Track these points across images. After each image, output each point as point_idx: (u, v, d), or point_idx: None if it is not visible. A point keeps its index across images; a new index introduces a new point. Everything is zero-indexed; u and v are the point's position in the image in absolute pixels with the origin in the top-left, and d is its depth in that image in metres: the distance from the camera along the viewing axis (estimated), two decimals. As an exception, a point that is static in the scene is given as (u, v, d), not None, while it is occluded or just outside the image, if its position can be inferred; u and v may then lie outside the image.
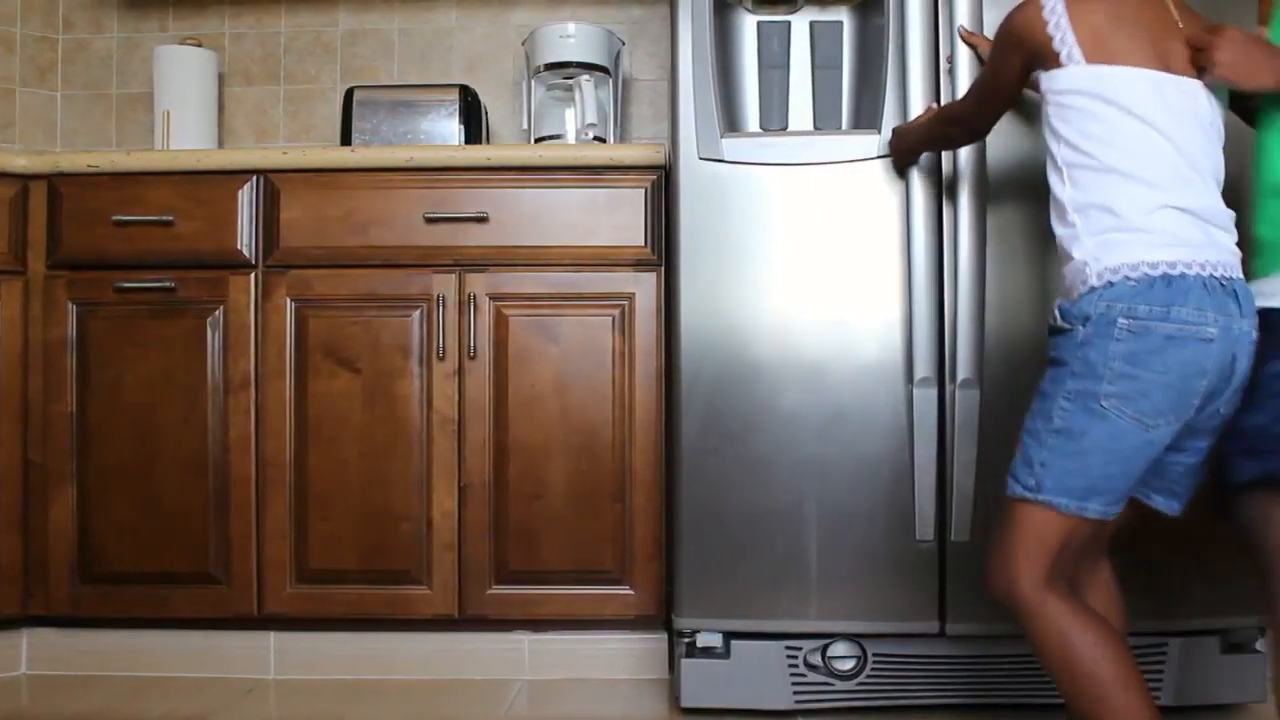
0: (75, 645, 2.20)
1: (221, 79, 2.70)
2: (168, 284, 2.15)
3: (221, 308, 2.15)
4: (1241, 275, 1.35)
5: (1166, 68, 1.34)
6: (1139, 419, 1.29)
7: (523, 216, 2.12)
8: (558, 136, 2.45)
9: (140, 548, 2.14)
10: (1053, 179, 1.39)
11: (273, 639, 2.19)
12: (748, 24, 2.06)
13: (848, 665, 1.89)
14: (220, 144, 2.67)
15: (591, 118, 2.37)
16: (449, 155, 2.13)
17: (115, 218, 2.15)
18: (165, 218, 2.14)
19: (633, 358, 2.11)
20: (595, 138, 2.41)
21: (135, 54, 2.74)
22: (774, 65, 2.03)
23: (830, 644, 1.89)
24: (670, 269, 1.97)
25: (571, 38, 2.42)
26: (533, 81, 2.48)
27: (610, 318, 2.12)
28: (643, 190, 2.12)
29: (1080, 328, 1.32)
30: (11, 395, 2.15)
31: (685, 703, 1.90)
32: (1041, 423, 1.35)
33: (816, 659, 1.89)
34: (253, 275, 2.15)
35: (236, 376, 2.14)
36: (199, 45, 2.58)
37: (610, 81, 2.49)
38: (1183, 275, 1.29)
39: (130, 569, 2.15)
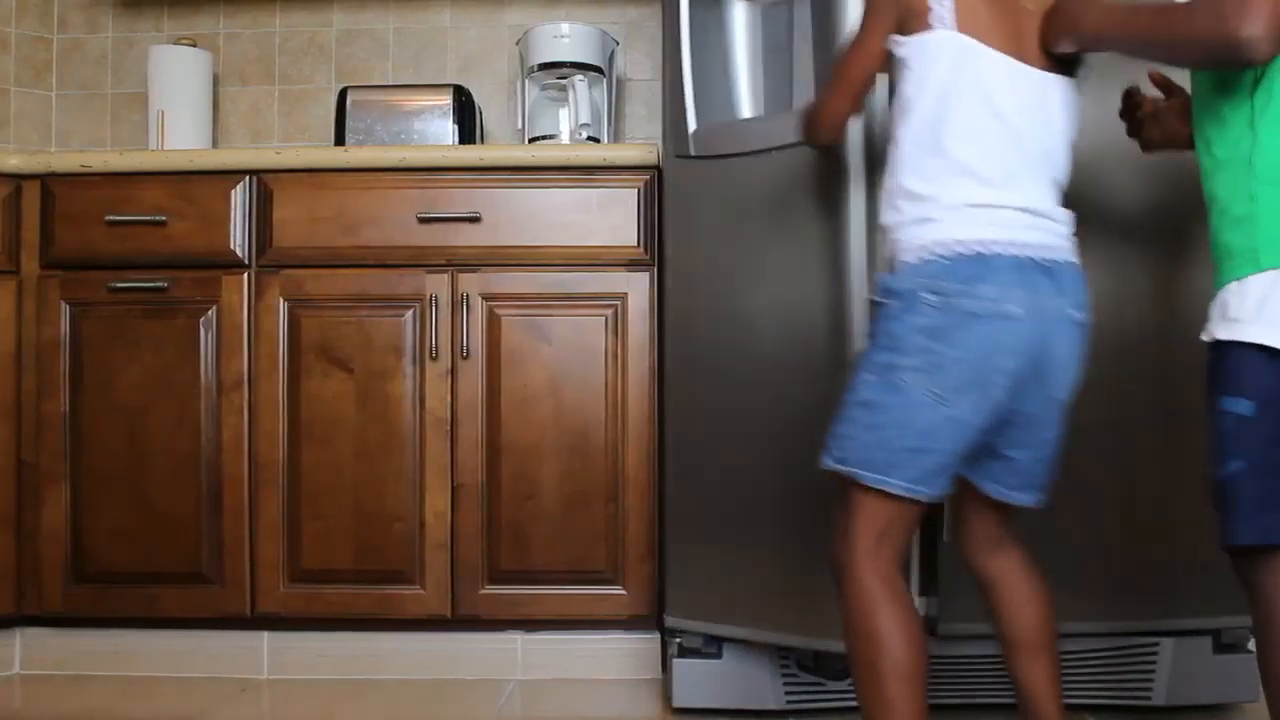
0: (68, 645, 2.20)
1: (216, 79, 2.70)
2: (161, 284, 2.15)
3: (214, 308, 2.15)
4: (1074, 261, 1.34)
5: (1020, 54, 1.32)
6: (935, 394, 1.27)
7: (516, 216, 2.12)
8: (552, 136, 2.45)
9: (133, 548, 2.14)
10: (891, 154, 1.37)
11: (265, 639, 2.19)
12: (740, 12, 2.04)
13: (840, 665, 1.89)
14: (215, 144, 2.67)
15: (585, 118, 2.37)
16: (441, 155, 2.14)
17: (108, 218, 2.15)
18: (158, 218, 2.14)
19: (625, 358, 2.11)
20: (589, 138, 2.41)
21: (130, 54, 2.74)
22: (776, 49, 1.98)
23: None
24: (660, 268, 1.97)
25: (565, 38, 2.42)
26: (527, 81, 2.48)
27: (603, 318, 2.12)
28: (636, 190, 2.12)
29: (891, 303, 1.32)
30: (4, 395, 2.15)
31: (677, 703, 1.89)
32: (849, 395, 1.34)
33: (808, 659, 1.88)
34: (246, 275, 2.15)
35: (229, 376, 2.14)
36: (193, 45, 2.58)
37: (604, 81, 2.49)
38: (997, 255, 1.27)
39: (123, 569, 2.15)
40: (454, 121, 2.42)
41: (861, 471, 1.31)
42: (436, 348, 2.13)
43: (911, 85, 1.32)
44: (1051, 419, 1.38)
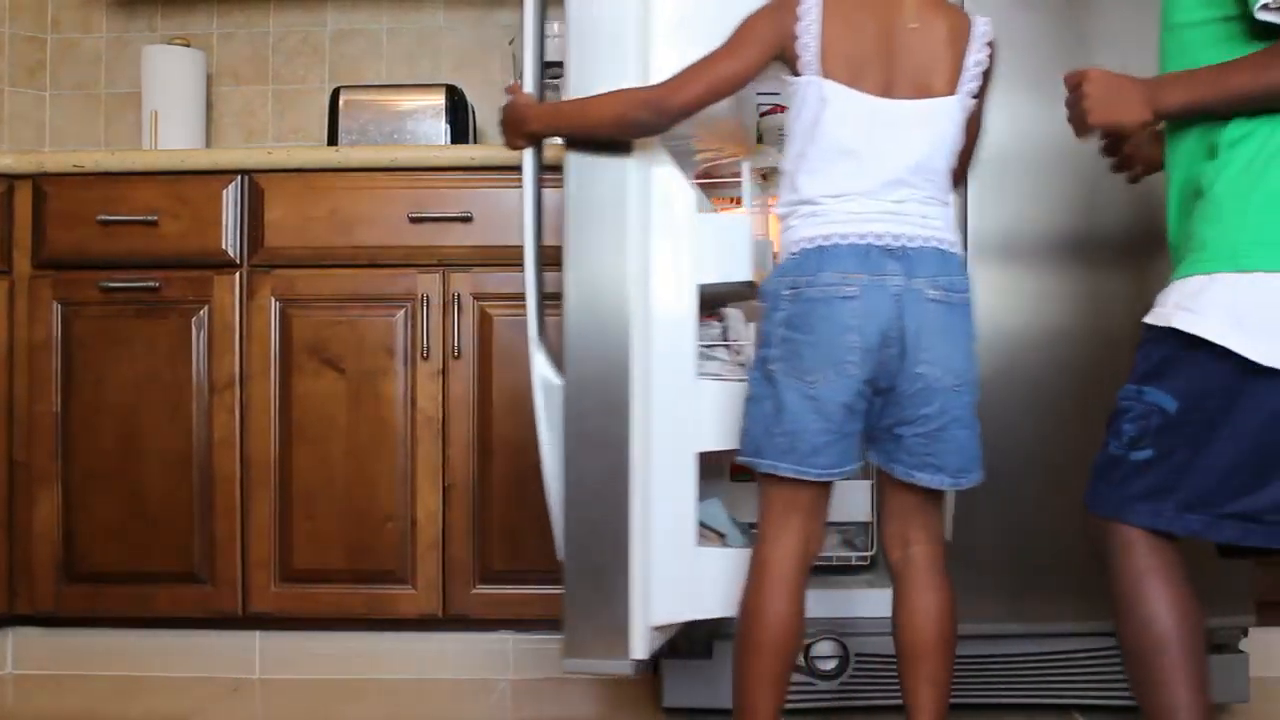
0: (60, 645, 2.21)
1: (210, 79, 2.70)
2: (152, 284, 2.15)
3: (206, 307, 2.15)
4: (940, 247, 1.38)
5: (889, 84, 1.38)
6: (797, 378, 1.36)
7: (507, 216, 2.12)
8: (545, 136, 2.44)
9: (125, 547, 2.14)
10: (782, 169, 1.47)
11: (257, 638, 2.19)
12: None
13: (830, 665, 1.89)
14: (208, 144, 2.67)
15: (578, 117, 2.37)
16: (433, 155, 2.14)
17: (100, 217, 2.15)
18: (150, 217, 2.15)
19: (617, 357, 2.11)
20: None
21: (124, 54, 2.74)
22: None
23: (813, 644, 1.89)
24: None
25: (559, 38, 2.41)
26: (520, 81, 2.47)
27: (595, 317, 2.12)
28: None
29: (764, 304, 1.42)
30: (-4, 395, 2.15)
31: (667, 703, 1.89)
32: (745, 392, 1.45)
33: (799, 659, 1.88)
34: (237, 275, 2.15)
35: (221, 376, 2.15)
36: (187, 45, 2.58)
37: (597, 81, 2.49)
38: (836, 245, 1.35)
39: (115, 568, 2.15)
40: (447, 121, 2.42)
41: (756, 460, 1.40)
42: (428, 347, 2.13)
43: (789, 120, 1.43)
44: (930, 396, 1.38)
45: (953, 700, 1.86)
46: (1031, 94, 1.84)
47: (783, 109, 2.29)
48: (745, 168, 1.55)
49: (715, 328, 1.59)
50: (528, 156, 1.64)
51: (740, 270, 1.54)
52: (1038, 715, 1.88)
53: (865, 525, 2.10)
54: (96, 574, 2.15)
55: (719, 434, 1.53)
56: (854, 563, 2.11)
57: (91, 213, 2.15)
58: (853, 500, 2.08)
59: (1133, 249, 1.86)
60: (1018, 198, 1.87)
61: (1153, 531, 1.28)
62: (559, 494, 1.55)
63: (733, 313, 1.61)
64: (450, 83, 2.53)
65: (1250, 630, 1.91)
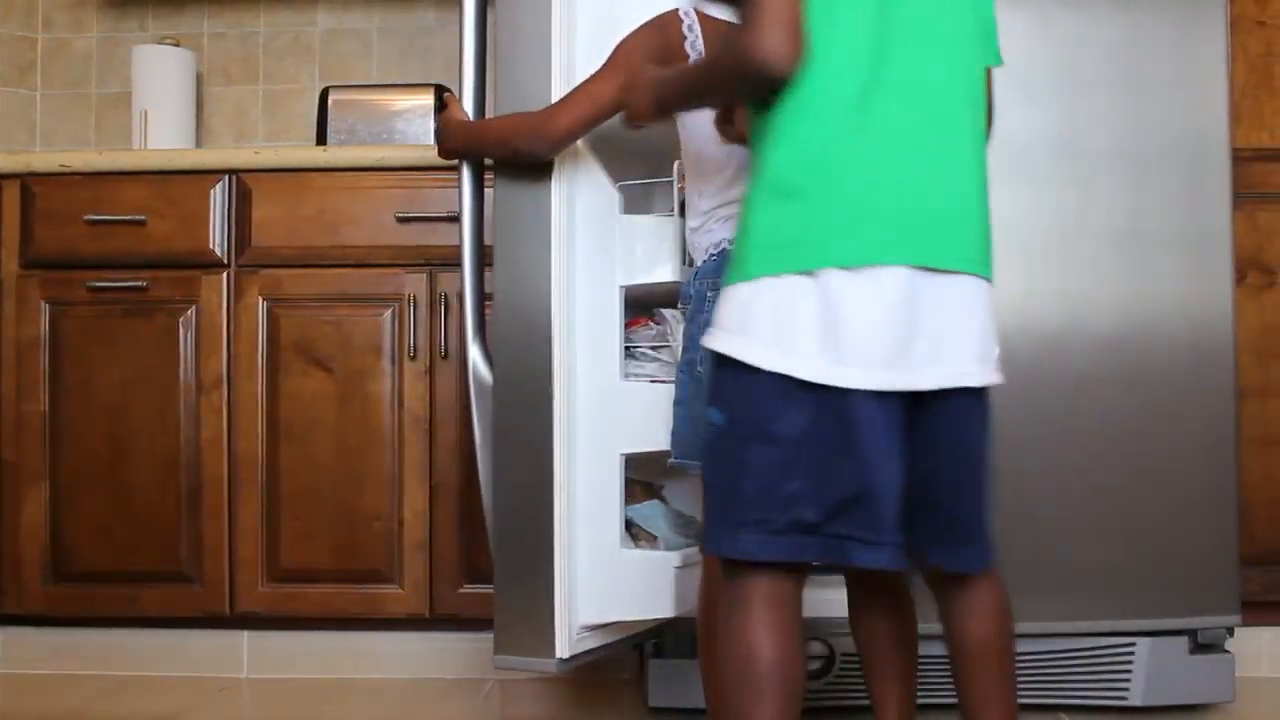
0: (48, 644, 2.21)
1: (201, 78, 2.70)
2: (140, 284, 2.15)
3: (194, 307, 2.16)
4: None
5: None
6: None
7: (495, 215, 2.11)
8: (534, 136, 2.44)
9: (113, 547, 2.15)
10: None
11: (245, 638, 2.19)
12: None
13: (815, 665, 1.89)
14: (199, 143, 2.67)
15: (567, 117, 2.37)
16: (420, 155, 2.14)
17: (88, 217, 2.15)
18: (138, 217, 2.15)
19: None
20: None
21: (115, 53, 2.74)
22: None
23: (799, 644, 1.89)
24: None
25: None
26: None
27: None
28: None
29: (689, 307, 1.44)
30: (-16, 394, 2.16)
31: (653, 702, 1.89)
32: (672, 397, 1.46)
33: (785, 659, 1.88)
34: (225, 275, 2.16)
35: (209, 376, 2.15)
36: (177, 45, 2.58)
37: (587, 81, 2.49)
38: None
39: (103, 568, 2.15)
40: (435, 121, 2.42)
41: (685, 461, 1.42)
42: (415, 347, 2.13)
43: (691, 131, 1.48)
44: None
45: (936, 700, 1.87)
46: (1022, 93, 1.84)
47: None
48: (676, 167, 1.55)
49: (653, 329, 1.58)
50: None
51: (666, 272, 1.55)
52: (1024, 715, 1.85)
53: (852, 525, 2.10)
54: (84, 574, 2.15)
55: (647, 436, 1.53)
56: (841, 562, 2.11)
57: (79, 212, 2.16)
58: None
59: (1121, 249, 1.86)
60: (1001, 195, 1.86)
61: (740, 562, 1.14)
62: (490, 492, 1.56)
63: (671, 314, 1.60)
64: (440, 83, 2.53)
65: (1236, 630, 1.91)
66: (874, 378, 1.08)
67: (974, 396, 1.16)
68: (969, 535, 1.20)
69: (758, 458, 1.11)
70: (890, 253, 1.08)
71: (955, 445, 1.17)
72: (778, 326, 1.09)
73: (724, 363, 1.13)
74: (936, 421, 1.15)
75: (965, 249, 1.13)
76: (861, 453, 1.09)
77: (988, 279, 1.16)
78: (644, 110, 1.30)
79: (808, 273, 1.08)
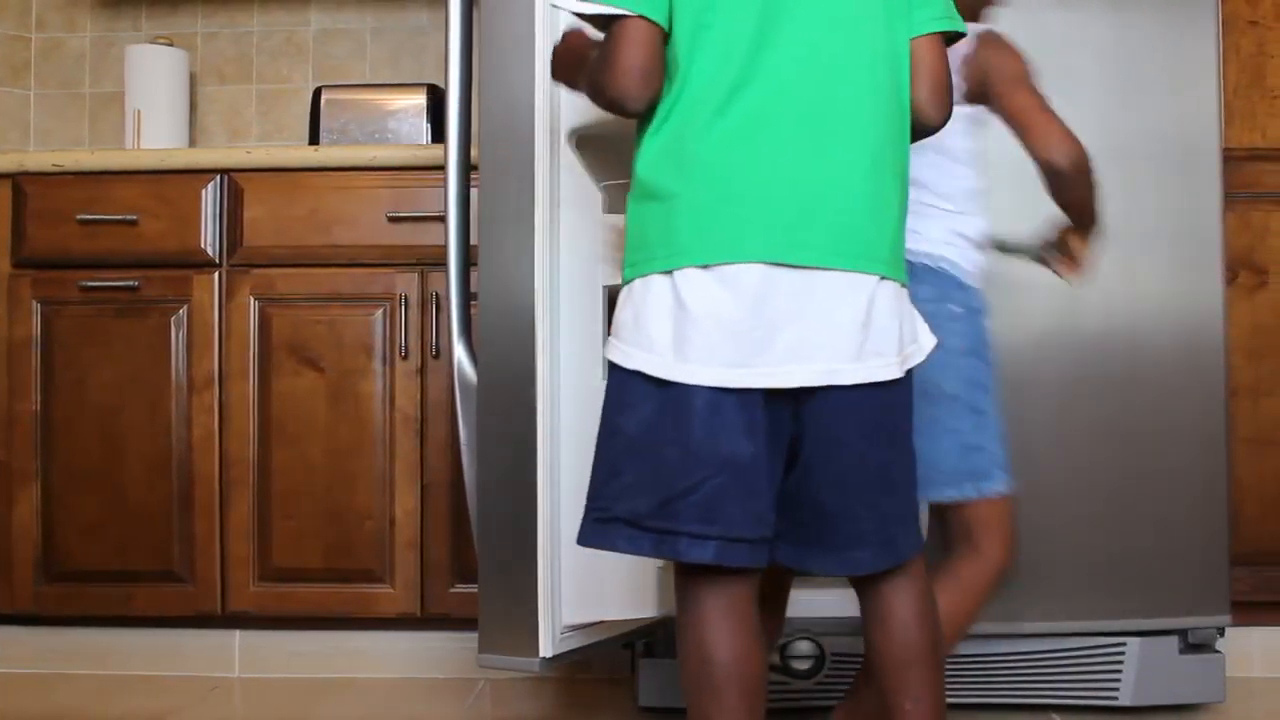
0: (40, 644, 2.21)
1: (195, 78, 2.71)
2: (132, 283, 2.15)
3: (185, 307, 2.16)
4: None
5: None
6: None
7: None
8: (527, 135, 2.44)
9: (105, 546, 2.15)
10: None
11: (237, 637, 2.20)
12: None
13: (806, 665, 1.88)
14: (193, 143, 2.68)
15: (559, 116, 2.37)
16: (411, 154, 2.14)
17: (80, 217, 2.15)
18: (130, 217, 2.15)
19: (595, 357, 2.11)
20: (564, 136, 2.41)
21: (109, 53, 2.74)
22: None
23: (789, 643, 1.89)
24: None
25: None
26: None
27: (573, 317, 2.12)
28: (606, 189, 2.12)
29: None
30: (-24, 394, 2.16)
31: (643, 702, 1.90)
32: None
33: (774, 658, 1.88)
34: (216, 274, 2.16)
35: (200, 376, 2.15)
36: (170, 44, 2.58)
37: (579, 80, 2.49)
38: None
39: (95, 567, 2.15)
40: (428, 121, 2.42)
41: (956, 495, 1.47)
42: (406, 347, 2.13)
43: None
44: None
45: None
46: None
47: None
48: None
49: None
50: (452, 155, 1.66)
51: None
52: (1014, 715, 1.88)
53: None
54: (76, 573, 2.16)
55: None
56: (832, 562, 2.11)
57: (72, 212, 2.16)
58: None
59: (1112, 248, 1.85)
60: (991, 196, 1.86)
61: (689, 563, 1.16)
62: (475, 492, 1.56)
63: None
64: (433, 82, 2.53)
65: (1227, 630, 1.91)
66: (721, 375, 1.09)
67: (860, 393, 1.13)
68: (858, 538, 1.17)
69: (605, 450, 1.16)
70: (743, 250, 1.09)
71: (837, 444, 1.14)
72: (638, 326, 1.12)
73: (611, 366, 1.18)
74: (815, 420, 1.13)
75: (838, 243, 1.11)
76: (696, 447, 1.10)
77: (874, 272, 1.13)
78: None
79: (666, 272, 1.11)
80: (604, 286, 1.55)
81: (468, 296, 1.67)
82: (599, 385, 1.53)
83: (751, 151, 1.10)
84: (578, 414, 1.53)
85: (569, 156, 1.56)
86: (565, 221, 1.55)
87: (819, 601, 1.92)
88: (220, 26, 2.75)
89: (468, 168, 1.65)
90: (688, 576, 1.17)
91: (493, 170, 1.56)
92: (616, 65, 1.11)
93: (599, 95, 1.16)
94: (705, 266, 1.09)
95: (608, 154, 1.63)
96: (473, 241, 1.68)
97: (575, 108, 1.56)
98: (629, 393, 1.14)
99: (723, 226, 1.09)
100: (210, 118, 2.75)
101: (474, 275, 1.64)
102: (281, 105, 2.73)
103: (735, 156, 1.10)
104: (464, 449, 1.63)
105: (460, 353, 1.69)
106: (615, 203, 1.59)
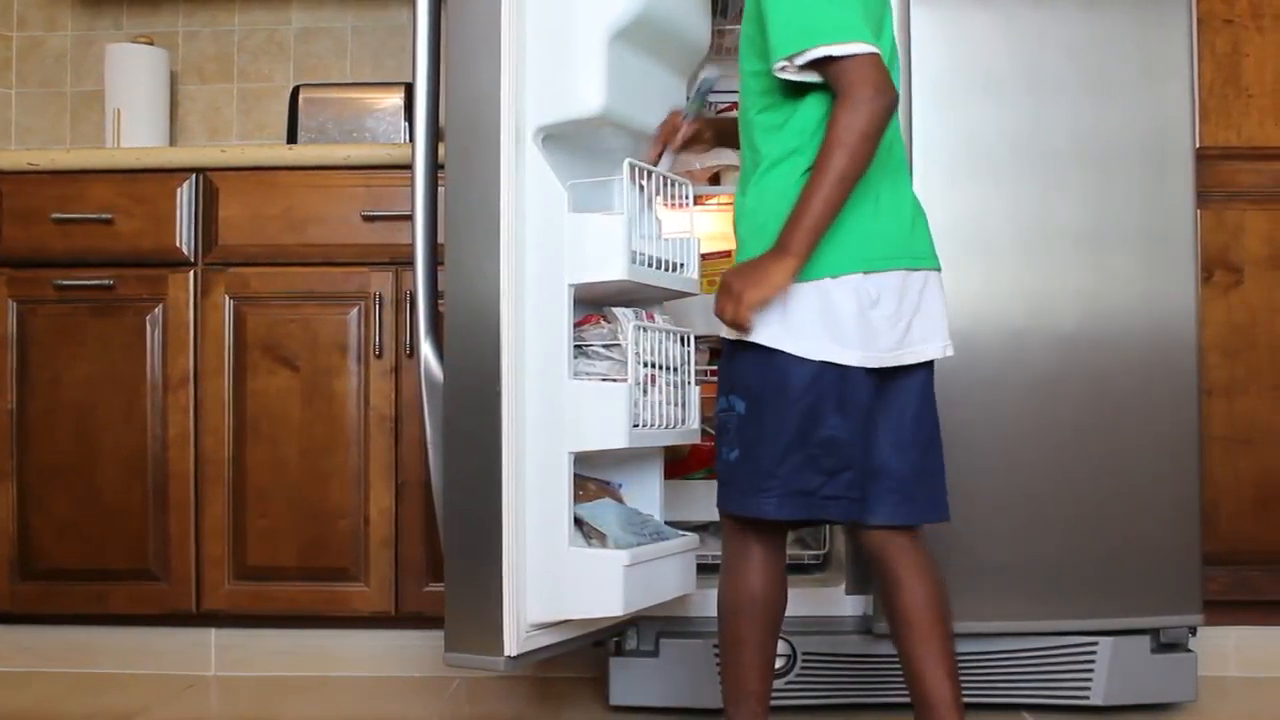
0: (14, 642, 2.21)
1: (176, 77, 2.71)
2: (107, 282, 2.15)
3: (160, 306, 2.16)
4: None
5: None
6: None
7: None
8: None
9: (80, 545, 2.15)
10: None
11: (213, 635, 2.20)
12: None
13: (778, 664, 1.88)
14: (173, 142, 2.68)
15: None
16: (386, 153, 2.14)
17: (55, 216, 2.15)
18: (105, 216, 2.15)
19: (569, 355, 2.11)
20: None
21: (90, 52, 2.74)
22: None
23: (760, 642, 1.88)
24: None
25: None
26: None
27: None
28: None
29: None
30: (-48, 393, 2.16)
31: (614, 700, 1.89)
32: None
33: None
34: (191, 273, 2.16)
35: (175, 374, 2.15)
36: (150, 44, 2.58)
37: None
38: None
39: (70, 566, 2.15)
40: (406, 120, 2.42)
41: None
42: (381, 345, 2.13)
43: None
44: None
45: (902, 700, 1.86)
46: (985, 92, 1.84)
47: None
48: (625, 166, 1.55)
49: (604, 328, 1.58)
50: (419, 154, 1.67)
51: (615, 270, 1.52)
52: (986, 715, 1.87)
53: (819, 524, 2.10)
54: (51, 571, 2.16)
55: (596, 434, 1.52)
56: (806, 561, 2.11)
57: (47, 211, 2.16)
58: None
59: (1084, 247, 1.86)
60: (965, 194, 1.86)
61: (754, 519, 1.42)
62: (441, 490, 1.56)
63: (622, 313, 1.59)
64: (410, 81, 2.52)
65: (1203, 630, 1.91)
66: (875, 358, 1.37)
67: (926, 369, 1.46)
68: (907, 493, 1.42)
69: (777, 432, 1.37)
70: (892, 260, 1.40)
71: (906, 411, 1.43)
72: (827, 321, 1.35)
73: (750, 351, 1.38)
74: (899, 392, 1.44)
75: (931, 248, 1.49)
76: (852, 425, 1.36)
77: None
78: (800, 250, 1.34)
79: (850, 274, 1.36)
80: (569, 285, 1.54)
81: (435, 295, 1.67)
82: (565, 383, 1.53)
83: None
84: (543, 411, 1.53)
85: (535, 155, 1.55)
86: (531, 220, 1.55)
87: (793, 601, 1.92)
88: (201, 25, 2.75)
89: (435, 166, 1.65)
90: (744, 525, 1.44)
91: (458, 169, 1.56)
92: (882, 87, 1.30)
93: (881, 116, 1.30)
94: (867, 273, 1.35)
95: (570, 152, 1.63)
96: (441, 240, 1.67)
97: (540, 106, 1.57)
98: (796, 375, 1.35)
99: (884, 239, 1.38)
100: (191, 117, 2.75)
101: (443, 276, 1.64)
102: (262, 104, 2.73)
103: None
104: (429, 447, 1.63)
105: (427, 351, 1.69)
106: (580, 201, 1.59)
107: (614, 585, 1.51)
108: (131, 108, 2.53)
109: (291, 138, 2.45)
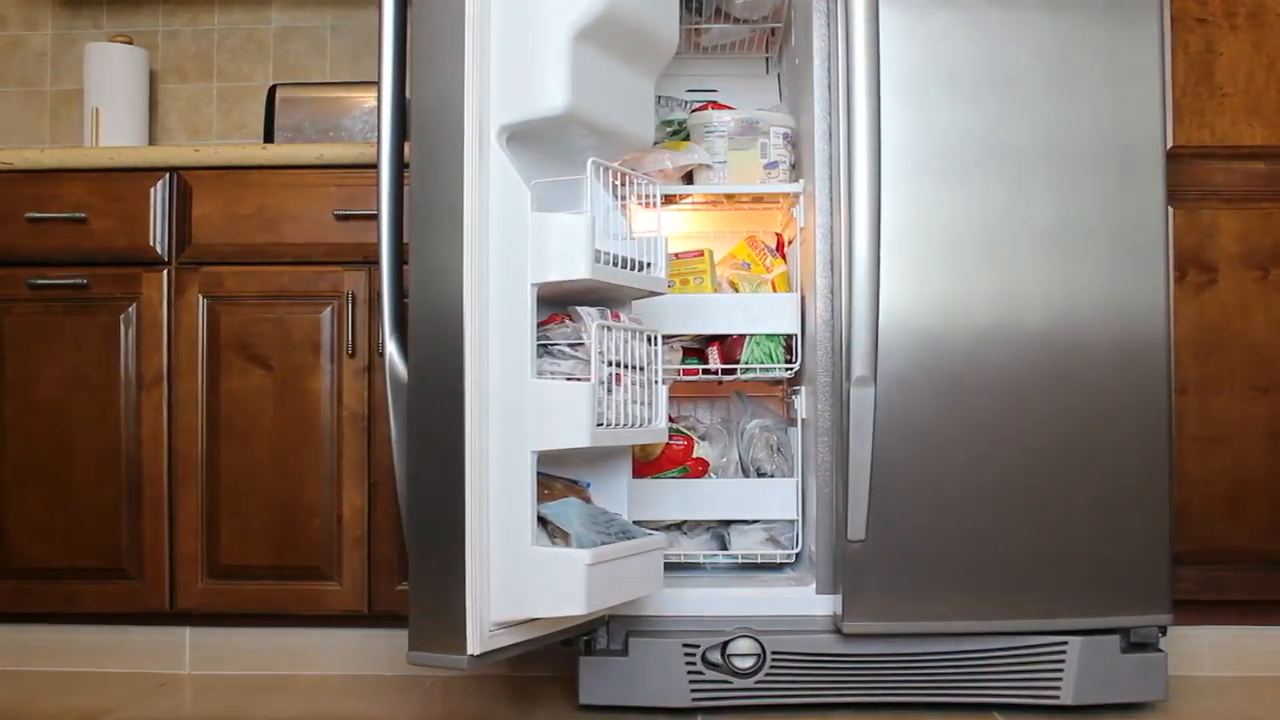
0: (-12, 640, 2.22)
1: (156, 76, 2.71)
2: (81, 281, 2.15)
3: (134, 305, 2.16)
4: None
5: None
6: None
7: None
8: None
9: (53, 543, 2.15)
10: None
11: (187, 634, 2.20)
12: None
13: (747, 663, 1.88)
14: (153, 141, 2.68)
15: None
16: (359, 152, 2.14)
17: (29, 215, 2.15)
18: (79, 215, 2.15)
19: (542, 355, 2.11)
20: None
21: (70, 51, 2.75)
22: None
23: (730, 641, 1.89)
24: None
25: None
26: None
27: (522, 315, 2.12)
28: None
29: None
30: (-74, 391, 2.16)
31: (584, 700, 1.89)
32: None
33: (716, 656, 1.88)
34: (165, 272, 2.16)
35: (149, 373, 2.15)
36: (129, 43, 2.59)
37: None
38: None
39: (44, 564, 2.15)
40: (382, 118, 2.41)
41: None
42: (354, 344, 2.13)
43: None
44: None
45: (872, 699, 1.87)
46: (953, 91, 1.84)
47: (716, 105, 2.29)
48: (589, 165, 1.55)
49: (568, 327, 1.58)
50: (384, 152, 1.68)
51: (579, 269, 1.53)
52: (956, 715, 1.87)
53: (791, 522, 2.10)
54: (25, 569, 2.16)
55: (560, 433, 1.52)
56: (778, 560, 2.11)
57: (21, 210, 2.16)
58: (780, 497, 2.09)
59: (1052, 247, 1.85)
60: (932, 195, 1.86)
61: None
62: (405, 489, 1.56)
63: (586, 312, 1.59)
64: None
65: (1175, 629, 1.91)
66: None
67: None
68: None
69: None
70: None
71: None
72: None
73: None
74: None
75: None
76: None
77: None
78: None
79: None
80: (533, 284, 1.54)
81: (400, 294, 1.67)
82: (529, 382, 1.53)
83: None
84: (506, 411, 1.53)
85: (498, 153, 1.56)
86: (495, 219, 1.55)
87: (760, 600, 1.93)
88: (181, 25, 2.75)
89: (400, 165, 1.66)
90: None
91: (422, 167, 1.57)
92: None
93: None
94: None
95: (537, 152, 1.63)
96: (406, 239, 1.67)
97: (505, 105, 1.57)
98: None
99: None
100: (171, 116, 2.75)
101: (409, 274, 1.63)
102: (242, 103, 2.74)
103: None
104: (394, 446, 1.64)
105: (392, 350, 1.70)
106: (550, 201, 1.59)
107: (576, 584, 1.51)
108: (111, 107, 2.53)
109: (269, 137, 2.45)
